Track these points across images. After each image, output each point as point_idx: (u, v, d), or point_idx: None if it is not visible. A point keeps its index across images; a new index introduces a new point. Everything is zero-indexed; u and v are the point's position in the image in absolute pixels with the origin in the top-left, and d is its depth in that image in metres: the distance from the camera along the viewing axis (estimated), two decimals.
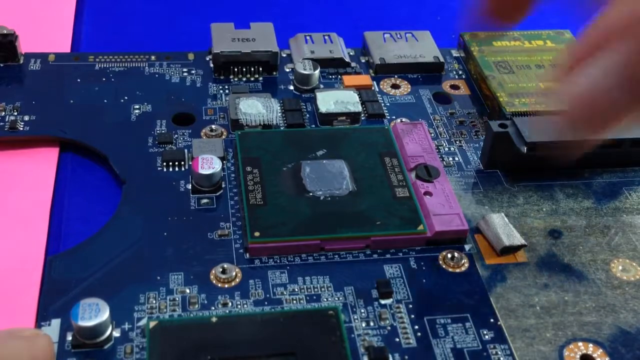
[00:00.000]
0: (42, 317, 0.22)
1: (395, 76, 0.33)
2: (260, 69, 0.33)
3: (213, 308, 0.22)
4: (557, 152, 0.21)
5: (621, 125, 0.19)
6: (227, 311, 0.22)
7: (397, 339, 0.22)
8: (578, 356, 0.22)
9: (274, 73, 0.33)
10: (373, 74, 0.33)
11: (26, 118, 0.29)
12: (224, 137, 0.29)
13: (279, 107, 0.30)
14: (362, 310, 0.23)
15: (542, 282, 0.24)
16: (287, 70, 0.33)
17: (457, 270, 0.24)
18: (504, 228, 0.25)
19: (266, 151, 0.27)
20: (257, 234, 0.24)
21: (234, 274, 0.23)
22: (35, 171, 0.28)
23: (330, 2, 0.40)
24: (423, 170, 0.27)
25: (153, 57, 0.33)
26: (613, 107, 0.19)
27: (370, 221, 0.25)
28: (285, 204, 0.25)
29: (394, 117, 0.31)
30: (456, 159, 0.29)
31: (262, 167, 0.27)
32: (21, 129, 0.29)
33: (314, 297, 0.23)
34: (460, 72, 0.34)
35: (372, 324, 0.22)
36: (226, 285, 0.23)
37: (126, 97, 0.31)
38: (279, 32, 0.34)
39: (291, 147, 0.28)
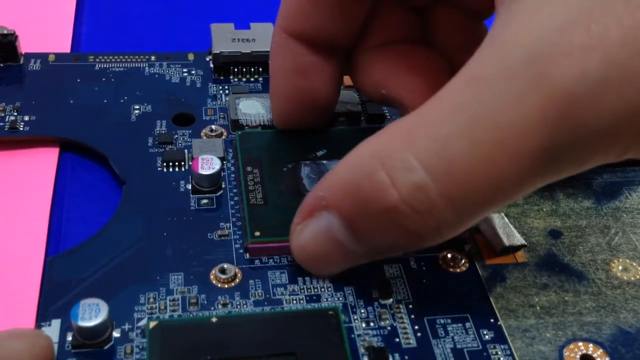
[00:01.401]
0: (42, 317, 0.22)
1: None
2: (260, 69, 0.33)
3: (213, 308, 0.22)
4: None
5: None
6: (227, 311, 0.22)
7: (397, 339, 0.22)
8: (578, 356, 0.22)
9: None
10: None
11: (26, 118, 0.29)
12: (224, 137, 0.29)
13: None
14: (362, 310, 0.23)
15: (542, 282, 0.24)
16: None
17: (457, 270, 0.24)
18: (504, 228, 0.25)
19: (266, 151, 0.27)
20: (257, 233, 0.24)
21: (233, 274, 0.23)
22: (35, 171, 0.28)
23: None
24: None
25: (153, 57, 0.33)
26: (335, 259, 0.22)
27: None
28: (286, 204, 0.25)
29: (394, 117, 0.31)
30: None
31: (263, 167, 0.27)
32: (21, 129, 0.29)
33: (314, 297, 0.23)
34: None
35: (372, 324, 0.22)
36: (226, 286, 0.23)
37: (126, 97, 0.31)
38: None
39: (291, 147, 0.28)
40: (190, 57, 0.34)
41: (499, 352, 0.22)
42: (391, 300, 0.23)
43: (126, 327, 0.22)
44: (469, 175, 0.18)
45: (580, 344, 0.22)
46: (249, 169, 0.26)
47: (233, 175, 0.27)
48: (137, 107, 0.30)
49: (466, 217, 0.19)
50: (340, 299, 0.23)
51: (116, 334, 0.21)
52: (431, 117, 0.19)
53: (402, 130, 0.20)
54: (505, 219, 0.26)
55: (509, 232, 0.25)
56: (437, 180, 0.18)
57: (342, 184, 0.20)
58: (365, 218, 0.20)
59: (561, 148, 0.18)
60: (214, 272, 0.23)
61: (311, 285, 0.23)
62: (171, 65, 0.33)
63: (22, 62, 0.32)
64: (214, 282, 0.23)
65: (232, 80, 0.33)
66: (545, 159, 0.18)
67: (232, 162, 0.28)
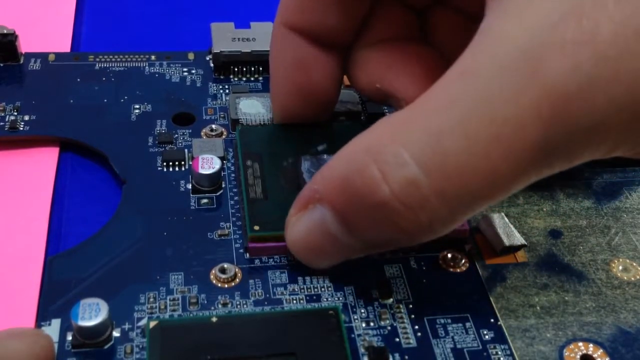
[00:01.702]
0: (42, 317, 0.22)
1: None
2: (261, 68, 0.33)
3: (213, 308, 0.22)
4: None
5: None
6: (227, 311, 0.22)
7: (397, 339, 0.22)
8: (578, 356, 0.22)
9: None
10: None
11: (26, 118, 0.29)
12: (224, 136, 0.29)
13: None
14: (362, 310, 0.23)
15: (542, 282, 0.24)
16: None
17: (457, 270, 0.24)
18: (504, 228, 0.25)
19: (266, 146, 0.27)
20: (256, 227, 0.24)
21: (233, 274, 0.23)
22: (35, 171, 0.28)
23: None
24: None
25: (153, 57, 0.33)
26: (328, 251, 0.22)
27: None
28: (286, 199, 0.25)
29: None
30: None
31: (263, 161, 0.26)
32: (21, 128, 0.29)
33: (314, 297, 0.23)
34: None
35: (372, 324, 0.22)
36: (226, 285, 0.23)
37: (126, 97, 0.31)
38: None
39: (291, 141, 0.27)
40: (191, 56, 0.34)
41: (499, 352, 0.22)
42: (391, 300, 0.23)
43: (126, 326, 0.22)
44: (463, 170, 0.18)
45: (580, 344, 0.22)
46: (248, 163, 0.26)
47: (233, 175, 0.27)
48: (137, 106, 0.30)
49: (459, 213, 0.19)
50: (340, 299, 0.23)
51: (116, 333, 0.21)
52: (424, 111, 0.19)
53: (394, 125, 0.19)
54: (505, 219, 0.26)
55: (509, 232, 0.25)
56: (430, 175, 0.18)
57: (335, 178, 0.20)
58: (357, 213, 0.20)
59: (554, 143, 0.18)
60: (214, 271, 0.23)
61: (311, 285, 0.23)
62: (171, 65, 0.33)
63: (22, 62, 0.32)
64: (214, 281, 0.23)
65: (232, 80, 0.33)
66: (540, 154, 0.18)
67: (232, 161, 0.28)
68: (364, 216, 0.20)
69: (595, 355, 0.22)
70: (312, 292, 0.23)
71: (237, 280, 0.23)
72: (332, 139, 0.28)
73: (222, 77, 0.33)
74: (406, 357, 0.22)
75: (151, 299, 0.23)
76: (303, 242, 0.22)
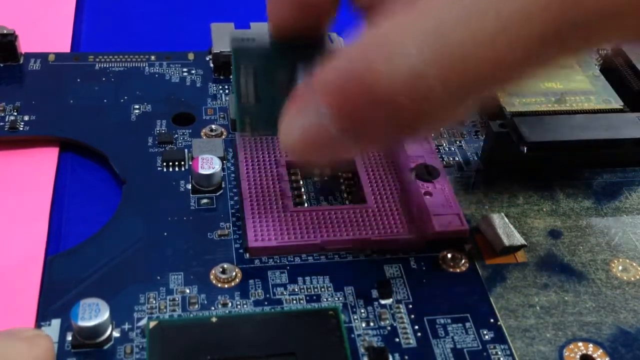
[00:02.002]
0: (42, 317, 0.22)
1: None
2: None
3: (213, 308, 0.22)
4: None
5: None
6: (227, 311, 0.22)
7: (397, 339, 0.22)
8: (578, 356, 0.22)
9: None
10: None
11: (26, 118, 0.29)
12: (224, 137, 0.29)
13: None
14: (362, 310, 0.23)
15: (542, 282, 0.24)
16: None
17: (457, 270, 0.24)
18: (504, 228, 0.25)
19: (263, 63, 0.25)
20: (247, 128, 0.23)
21: (233, 274, 0.23)
22: (35, 171, 0.28)
23: None
24: (423, 170, 0.27)
25: (153, 57, 0.33)
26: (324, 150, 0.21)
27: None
28: (278, 102, 0.22)
29: None
30: (456, 158, 0.29)
31: (257, 76, 0.25)
32: (21, 129, 0.29)
33: (314, 297, 0.23)
34: None
35: (372, 324, 0.22)
36: (226, 286, 0.23)
37: (126, 97, 0.31)
38: None
39: (289, 60, 0.25)
40: (190, 56, 0.34)
41: (499, 352, 0.22)
42: (391, 300, 0.23)
43: (126, 326, 0.22)
44: (468, 60, 0.18)
45: (580, 344, 0.22)
46: (243, 80, 0.25)
47: (233, 175, 0.27)
48: (137, 106, 0.30)
49: (462, 100, 0.19)
50: (340, 299, 0.23)
51: (116, 333, 0.21)
52: (427, 8, 0.19)
53: (396, 22, 0.19)
54: (505, 219, 0.26)
55: (509, 232, 0.25)
56: (434, 66, 0.18)
57: (337, 75, 0.20)
58: (357, 108, 0.19)
59: (562, 34, 0.18)
60: (214, 272, 0.23)
61: (311, 285, 0.23)
62: (171, 65, 0.33)
63: (22, 62, 0.32)
64: (214, 282, 0.23)
65: (232, 80, 0.32)
66: (546, 45, 0.18)
67: (232, 161, 0.28)
68: (365, 111, 0.19)
69: (595, 355, 0.22)
70: (312, 292, 0.23)
71: (237, 280, 0.23)
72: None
73: (222, 77, 0.33)
74: (406, 357, 0.22)
75: (151, 299, 0.23)
76: (299, 141, 0.21)
